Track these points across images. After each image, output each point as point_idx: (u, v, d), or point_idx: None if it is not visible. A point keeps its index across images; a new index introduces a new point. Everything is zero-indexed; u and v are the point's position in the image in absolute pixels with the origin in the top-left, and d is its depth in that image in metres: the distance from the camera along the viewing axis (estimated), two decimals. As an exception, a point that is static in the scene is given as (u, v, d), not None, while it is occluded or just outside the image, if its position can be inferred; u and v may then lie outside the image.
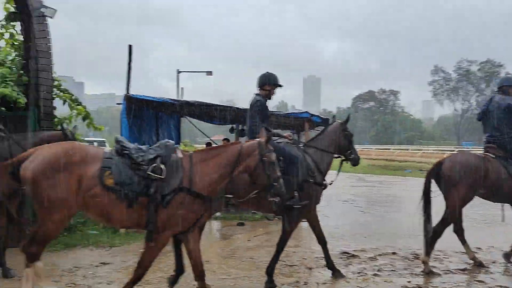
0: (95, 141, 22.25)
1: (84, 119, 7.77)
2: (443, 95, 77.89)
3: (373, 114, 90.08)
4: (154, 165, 3.96)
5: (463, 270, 5.82)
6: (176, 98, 13.46)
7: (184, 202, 3.97)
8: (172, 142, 4.34)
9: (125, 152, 4.05)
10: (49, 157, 3.89)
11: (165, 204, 3.92)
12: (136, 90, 10.01)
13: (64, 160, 3.85)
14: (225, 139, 11.38)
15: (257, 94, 5.27)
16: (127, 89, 9.41)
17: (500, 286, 5.14)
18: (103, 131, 10.37)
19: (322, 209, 11.09)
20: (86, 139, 13.05)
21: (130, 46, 9.64)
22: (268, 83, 5.25)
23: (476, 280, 5.35)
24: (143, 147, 4.27)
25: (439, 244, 6.31)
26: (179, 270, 4.80)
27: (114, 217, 4.04)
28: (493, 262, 6.19)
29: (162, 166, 3.97)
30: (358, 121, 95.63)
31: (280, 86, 5.37)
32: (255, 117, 5.07)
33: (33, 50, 6.54)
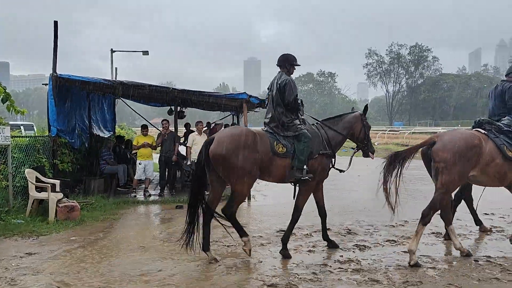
0: (21, 125, 20.77)
1: (3, 101, 7.12)
2: (376, 77, 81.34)
3: (311, 95, 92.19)
4: None
5: (392, 242, 6.14)
6: (109, 79, 12.83)
7: None
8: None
9: (505, 129, 5.47)
10: (460, 141, 5.12)
11: None
12: (67, 70, 9.44)
13: (471, 142, 5.12)
14: (165, 119, 11.05)
15: (504, 81, 6.33)
16: (54, 68, 8.84)
17: (423, 255, 5.48)
18: (31, 114, 9.67)
19: (261, 188, 11.27)
20: (11, 123, 12.12)
21: (55, 23, 9.04)
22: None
23: (403, 251, 5.67)
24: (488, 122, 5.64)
25: (369, 219, 6.62)
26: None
27: (506, 179, 5.38)
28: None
29: None
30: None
31: None
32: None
33: None
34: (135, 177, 10.56)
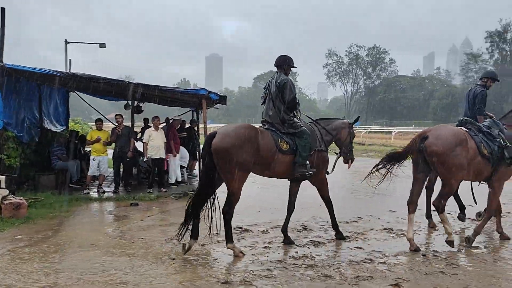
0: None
1: None
2: (335, 77, 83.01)
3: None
4: (502, 136, 5.92)
5: (345, 238, 6.26)
6: (62, 71, 12.30)
7: None
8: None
9: (484, 130, 5.96)
10: (451, 136, 5.55)
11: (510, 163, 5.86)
12: (19, 60, 8.93)
13: (460, 137, 5.56)
14: (118, 114, 10.71)
15: (477, 85, 6.84)
16: (0, 57, 8.36)
17: (375, 251, 5.64)
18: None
19: (221, 186, 11.20)
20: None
21: (2, 9, 8.54)
22: (488, 77, 6.83)
23: (355, 247, 5.80)
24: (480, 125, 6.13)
25: (325, 215, 6.73)
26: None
27: (481, 175, 5.89)
28: (371, 230, 6.78)
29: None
30: (258, 100, 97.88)
31: (497, 80, 6.91)
32: (481, 103, 6.59)
33: None
34: (88, 173, 10.21)
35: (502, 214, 6.69)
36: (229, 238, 5.38)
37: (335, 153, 6.54)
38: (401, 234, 6.49)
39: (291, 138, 5.63)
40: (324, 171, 6.02)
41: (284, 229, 6.03)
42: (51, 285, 4.30)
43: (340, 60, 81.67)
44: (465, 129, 5.94)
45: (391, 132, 37.92)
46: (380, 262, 5.17)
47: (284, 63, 5.91)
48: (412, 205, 5.87)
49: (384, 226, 6.98)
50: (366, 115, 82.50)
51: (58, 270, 4.74)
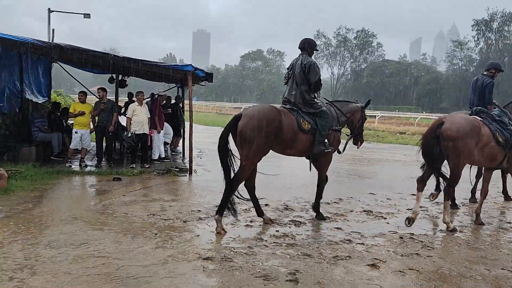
0: None
1: None
2: (323, 59, 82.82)
3: (259, 73, 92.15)
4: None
5: (325, 218, 6.38)
6: (45, 40, 11.96)
7: None
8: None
9: (497, 119, 6.28)
10: (466, 123, 5.86)
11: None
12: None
13: (472, 126, 5.87)
14: (100, 88, 10.53)
15: (484, 75, 6.92)
16: (-20, 24, 8.10)
17: (354, 232, 5.77)
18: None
19: (204, 163, 11.23)
20: None
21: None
22: (495, 68, 6.89)
23: (335, 228, 5.92)
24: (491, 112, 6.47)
25: (307, 195, 6.83)
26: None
27: (496, 160, 6.24)
28: (351, 211, 6.91)
29: None
30: (245, 79, 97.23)
31: (502, 71, 7.05)
32: (491, 93, 6.73)
33: None
34: (70, 146, 10.09)
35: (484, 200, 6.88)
36: (221, 211, 5.54)
37: (346, 134, 6.86)
38: (380, 216, 6.64)
39: (312, 118, 5.90)
40: (335, 150, 6.30)
41: (317, 208, 6.41)
42: (31, 258, 4.30)
43: (328, 42, 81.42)
44: (480, 118, 6.23)
45: (375, 116, 38.30)
46: (358, 243, 5.30)
47: (308, 46, 6.15)
48: (421, 184, 6.22)
49: (364, 208, 7.13)
50: (352, 98, 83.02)
51: (38, 242, 4.73)
